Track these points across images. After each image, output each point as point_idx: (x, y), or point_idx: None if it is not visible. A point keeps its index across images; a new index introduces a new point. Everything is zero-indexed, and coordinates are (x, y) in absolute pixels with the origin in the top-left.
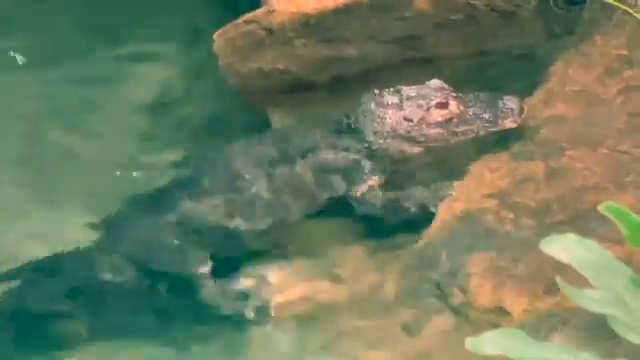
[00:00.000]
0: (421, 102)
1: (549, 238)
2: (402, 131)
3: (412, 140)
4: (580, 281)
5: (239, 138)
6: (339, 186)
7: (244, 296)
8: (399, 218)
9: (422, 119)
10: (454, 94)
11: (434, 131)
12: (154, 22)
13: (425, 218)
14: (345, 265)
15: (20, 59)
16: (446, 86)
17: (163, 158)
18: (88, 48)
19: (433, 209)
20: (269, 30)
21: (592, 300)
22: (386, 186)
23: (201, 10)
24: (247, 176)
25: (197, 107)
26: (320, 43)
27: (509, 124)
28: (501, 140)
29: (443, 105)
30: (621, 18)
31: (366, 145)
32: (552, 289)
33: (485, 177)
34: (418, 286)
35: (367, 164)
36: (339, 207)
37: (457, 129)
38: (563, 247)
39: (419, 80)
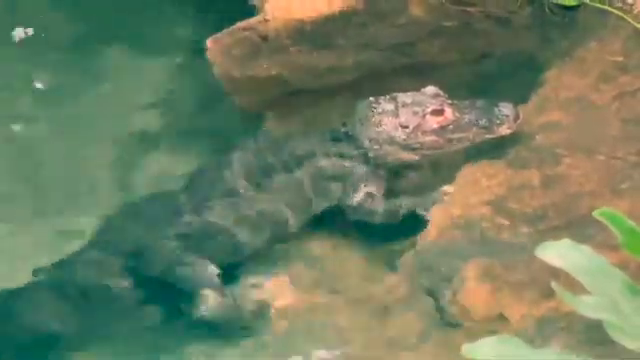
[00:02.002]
0: (416, 109)
1: (544, 244)
2: (398, 138)
3: (408, 147)
4: (576, 287)
5: (235, 145)
6: (335, 193)
7: (242, 305)
8: (395, 225)
9: (418, 126)
10: (449, 101)
11: (430, 138)
12: (150, 26)
13: (421, 225)
14: (342, 272)
15: (16, 62)
16: (441, 93)
17: (159, 165)
18: (85, 52)
19: (428, 216)
20: (264, 37)
21: (587, 305)
22: (382, 193)
23: (199, 14)
24: (243, 184)
25: (193, 114)
26: (315, 50)
27: (504, 131)
28: (497, 147)
29: (438, 112)
30: (616, 24)
31: (362, 152)
32: (548, 295)
33: (481, 184)
34: (414, 293)
35: (363, 171)
36: (335, 214)
37: (452, 136)
38: (558, 253)
39: (414, 87)
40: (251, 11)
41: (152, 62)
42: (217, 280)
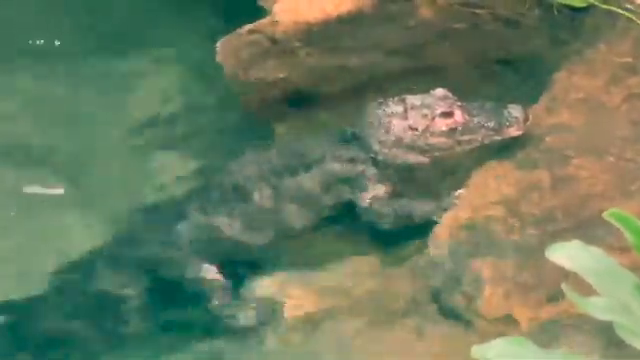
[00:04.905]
0: (426, 111)
1: (554, 246)
2: (407, 140)
3: (417, 149)
4: (586, 288)
5: (244, 147)
6: (345, 196)
7: (251, 306)
8: (405, 227)
9: (427, 128)
10: (458, 103)
11: (439, 140)
12: (157, 29)
13: (430, 227)
14: (351, 274)
15: (24, 65)
16: (450, 95)
17: (168, 168)
18: (93, 56)
19: (438, 218)
20: (273, 40)
21: (597, 307)
22: (391, 195)
23: (206, 16)
24: (253, 187)
25: (201, 116)
26: (324, 53)
27: (514, 132)
28: (506, 148)
29: (448, 114)
30: (625, 25)
31: (371, 155)
32: (558, 296)
33: (490, 185)
34: (424, 294)
35: (372, 173)
36: (345, 217)
37: (462, 138)
38: (568, 255)
39: (423, 89)
40: (260, 12)
41: (161, 64)
42: (221, 282)
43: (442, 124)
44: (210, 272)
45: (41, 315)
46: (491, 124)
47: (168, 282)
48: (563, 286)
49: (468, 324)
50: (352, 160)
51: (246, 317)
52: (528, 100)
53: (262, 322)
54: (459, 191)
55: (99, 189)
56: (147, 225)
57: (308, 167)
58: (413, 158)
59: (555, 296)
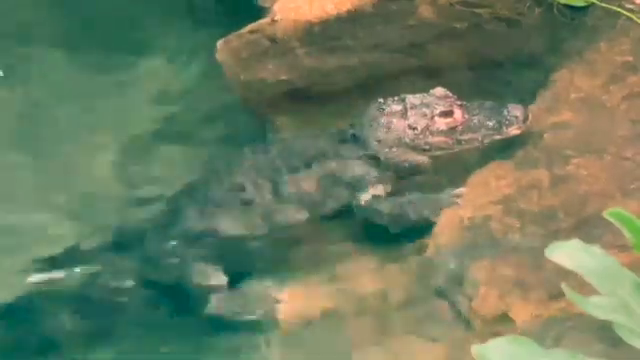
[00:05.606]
0: (425, 110)
1: (554, 245)
2: (407, 140)
3: (417, 148)
4: (585, 287)
5: (243, 147)
6: (344, 195)
7: (250, 306)
8: (404, 226)
9: (426, 127)
10: (458, 102)
11: (439, 139)
12: (156, 28)
13: (430, 226)
14: (351, 274)
15: (19, 66)
16: (450, 94)
17: (168, 167)
18: (91, 55)
19: (438, 217)
20: (273, 40)
21: (597, 306)
22: (391, 194)
23: (206, 16)
24: (252, 186)
25: (201, 116)
26: (324, 52)
27: (514, 131)
28: (506, 147)
29: (447, 113)
30: (625, 25)
31: (371, 154)
32: (558, 296)
33: (490, 184)
34: (424, 294)
35: (372, 173)
36: (344, 216)
37: (462, 137)
38: (568, 254)
39: (423, 88)
40: (260, 12)
41: (161, 64)
42: (222, 281)
43: (442, 123)
44: (209, 272)
45: (40, 315)
46: (491, 123)
47: (167, 282)
48: (563, 286)
49: (468, 324)
50: (352, 159)
51: (245, 317)
52: (528, 99)
53: (261, 322)
54: (459, 190)
55: (98, 189)
56: (146, 225)
57: (308, 166)
58: (413, 157)
59: (555, 295)
